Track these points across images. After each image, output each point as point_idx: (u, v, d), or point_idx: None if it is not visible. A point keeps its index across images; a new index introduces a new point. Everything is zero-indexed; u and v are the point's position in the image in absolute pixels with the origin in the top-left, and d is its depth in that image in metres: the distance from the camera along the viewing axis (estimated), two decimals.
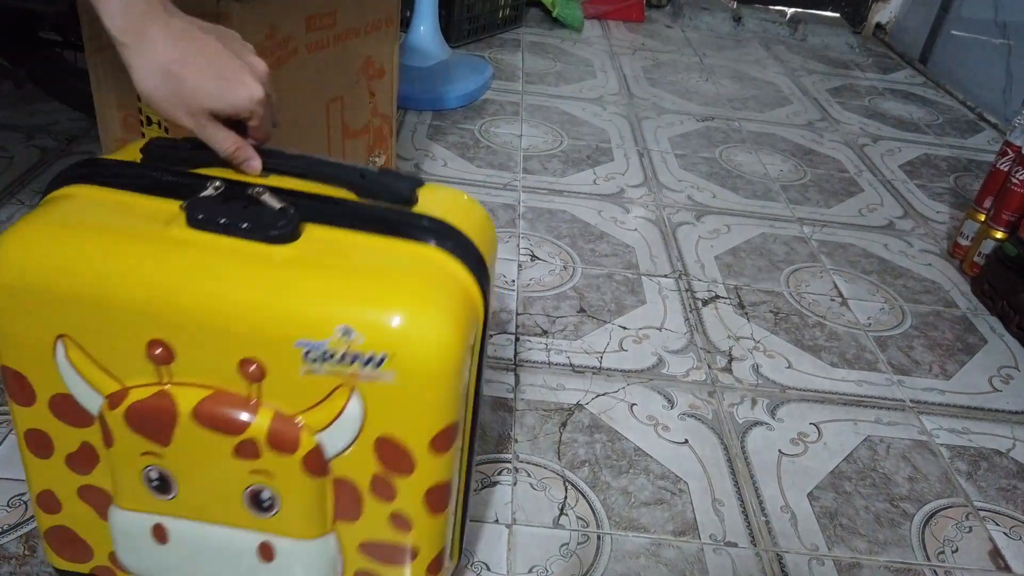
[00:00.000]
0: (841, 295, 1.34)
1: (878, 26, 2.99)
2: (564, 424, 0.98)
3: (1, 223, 1.21)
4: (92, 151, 1.45)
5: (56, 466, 0.60)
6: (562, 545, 0.83)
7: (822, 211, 1.63)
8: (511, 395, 1.02)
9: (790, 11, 3.06)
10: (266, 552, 0.60)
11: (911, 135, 2.10)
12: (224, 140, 0.57)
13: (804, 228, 1.55)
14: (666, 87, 2.22)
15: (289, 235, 0.54)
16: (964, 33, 2.52)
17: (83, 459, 0.59)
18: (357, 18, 1.11)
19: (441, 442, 0.55)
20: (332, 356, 0.51)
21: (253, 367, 0.53)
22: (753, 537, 0.87)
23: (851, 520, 0.91)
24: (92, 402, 0.56)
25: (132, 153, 0.61)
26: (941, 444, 1.04)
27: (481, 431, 0.95)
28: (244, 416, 0.54)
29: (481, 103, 1.93)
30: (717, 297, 1.29)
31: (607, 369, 1.09)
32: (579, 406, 1.02)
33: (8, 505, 0.78)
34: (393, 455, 0.55)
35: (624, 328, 1.18)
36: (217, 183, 0.56)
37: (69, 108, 1.54)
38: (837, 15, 3.08)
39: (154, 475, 0.58)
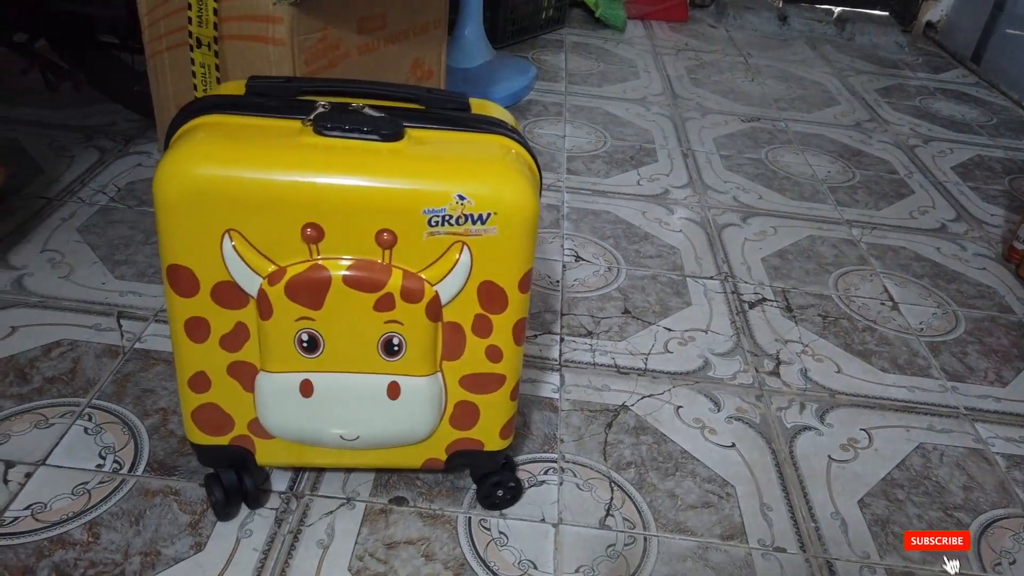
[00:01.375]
0: (892, 299, 1.32)
1: (928, 24, 2.93)
2: (610, 425, 0.98)
3: (64, 220, 1.25)
4: (149, 151, 1.49)
5: (210, 348, 0.71)
6: (609, 546, 0.83)
7: (871, 213, 1.60)
8: (556, 395, 1.02)
9: (837, 10, 3.01)
10: (393, 391, 0.74)
11: (964, 136, 2.05)
12: None
13: (853, 230, 1.52)
14: (710, 87, 2.21)
15: (398, 134, 0.67)
16: (1020, 32, 2.45)
17: (235, 338, 0.71)
18: (406, 20, 1.12)
19: (524, 283, 0.71)
20: (449, 219, 0.66)
21: (387, 236, 0.66)
22: (802, 543, 0.86)
23: (903, 528, 0.89)
24: (252, 284, 0.67)
25: (236, 89, 0.72)
26: (997, 453, 1.01)
27: (527, 430, 0.96)
28: (383, 276, 0.68)
29: (525, 104, 1.93)
30: (764, 300, 1.27)
31: (652, 371, 1.09)
32: (624, 407, 1.01)
33: (72, 493, 0.81)
34: (491, 296, 0.71)
35: (669, 330, 1.17)
36: (323, 104, 0.68)
37: (126, 109, 1.58)
38: (886, 14, 3.02)
39: (305, 337, 0.70)
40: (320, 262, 0.67)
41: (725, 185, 1.65)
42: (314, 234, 0.66)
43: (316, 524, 0.81)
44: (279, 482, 0.85)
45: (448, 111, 0.73)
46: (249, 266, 0.67)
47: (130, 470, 0.84)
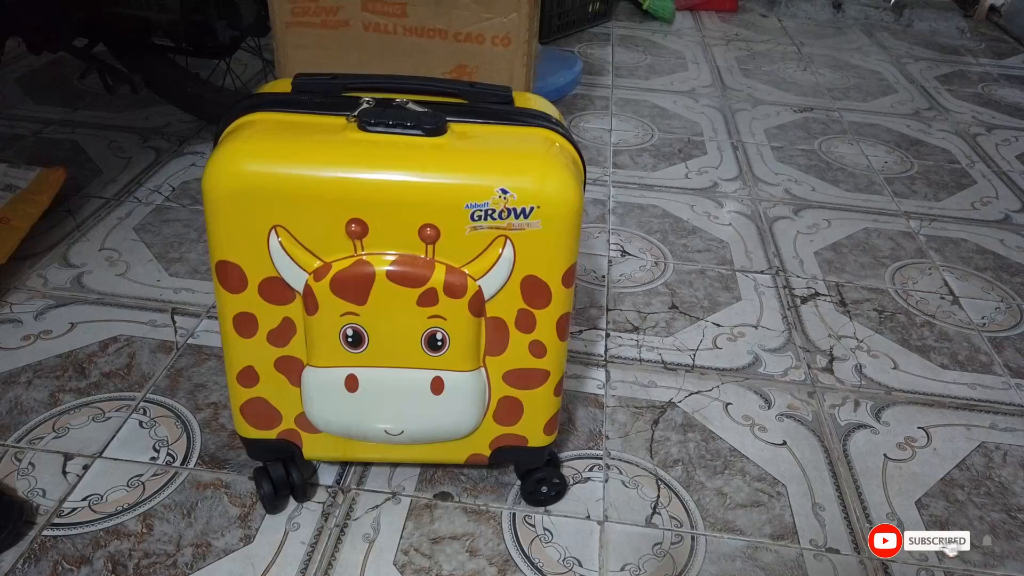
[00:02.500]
0: (952, 293, 1.27)
1: (992, 9, 2.82)
2: (656, 422, 0.97)
3: (121, 220, 1.28)
4: (203, 151, 1.52)
5: (258, 343, 0.72)
6: (655, 544, 0.82)
7: (930, 204, 1.54)
8: (602, 391, 1.01)
9: None
10: (437, 386, 0.74)
11: None
12: None
13: (911, 223, 1.47)
14: (761, 78, 2.16)
15: (441, 128, 0.68)
16: None
17: (282, 333, 0.72)
18: (438, 20, 1.11)
19: (568, 278, 0.71)
20: (492, 213, 0.66)
21: (430, 230, 0.67)
22: (856, 544, 0.83)
23: (964, 530, 0.86)
24: (298, 279, 0.68)
25: (283, 86, 0.73)
26: None
27: (572, 427, 0.95)
28: (426, 271, 0.68)
29: (571, 98, 1.92)
30: (817, 294, 1.24)
31: (700, 367, 1.07)
32: (671, 404, 1.00)
33: (128, 485, 0.83)
34: (535, 291, 0.71)
35: (718, 325, 1.15)
36: (367, 100, 0.69)
37: (181, 110, 1.62)
38: None
39: (350, 332, 0.71)
40: (364, 257, 0.68)
41: (776, 177, 1.61)
42: (358, 230, 0.66)
43: (362, 518, 0.82)
44: (326, 476, 0.86)
45: (491, 105, 0.73)
46: (295, 262, 0.68)
47: (183, 463, 0.86)
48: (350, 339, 0.71)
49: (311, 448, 0.80)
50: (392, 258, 0.68)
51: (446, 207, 0.66)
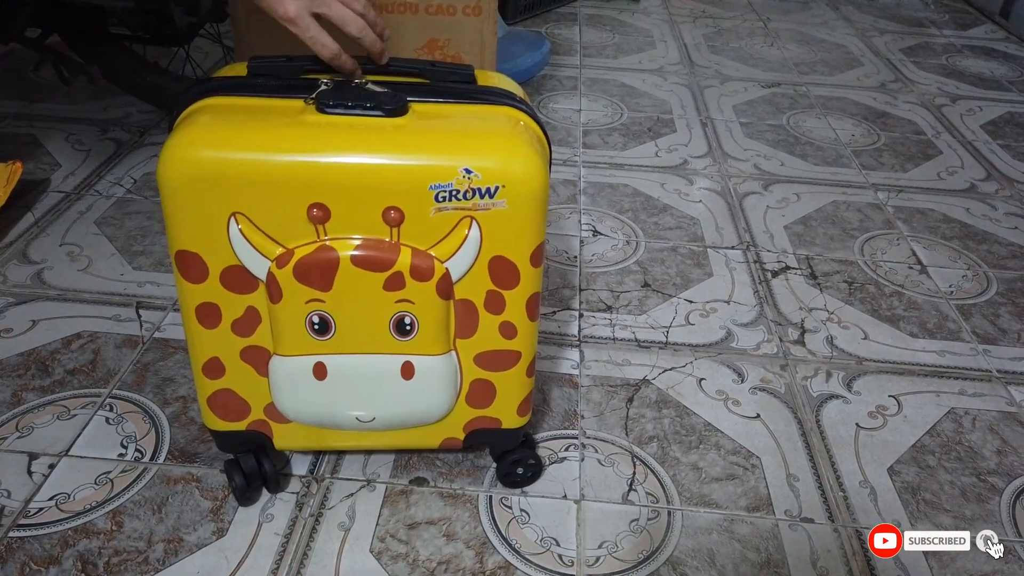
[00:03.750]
0: (920, 263, 1.28)
1: None
2: (631, 400, 0.97)
3: (82, 213, 1.26)
4: (164, 141, 1.49)
5: (222, 333, 0.70)
6: (632, 521, 0.82)
7: (898, 176, 1.56)
8: (576, 371, 1.01)
9: None
10: (407, 370, 0.73)
11: (993, 93, 1.99)
12: (327, 44, 0.67)
13: (879, 194, 1.48)
14: (729, 54, 2.16)
15: (402, 108, 0.66)
16: None
17: (247, 323, 0.70)
18: None
19: (536, 257, 0.70)
20: (457, 193, 0.65)
21: (394, 213, 0.65)
22: (831, 513, 0.84)
23: (935, 495, 0.87)
24: (260, 267, 0.67)
25: (238, 70, 0.71)
26: None
27: (547, 408, 0.95)
28: (391, 255, 0.67)
29: (539, 79, 1.91)
30: (787, 268, 1.25)
31: (674, 344, 1.07)
32: (646, 381, 1.00)
33: (96, 483, 0.82)
34: (503, 271, 0.70)
35: (690, 302, 1.15)
36: (326, 81, 0.68)
37: (140, 100, 1.58)
38: None
39: (316, 319, 0.69)
40: (328, 243, 0.66)
41: (746, 153, 1.61)
42: (320, 214, 0.65)
43: (337, 507, 0.81)
44: (299, 466, 0.85)
45: (453, 84, 0.71)
46: (256, 249, 0.66)
47: (151, 458, 0.85)
48: (316, 326, 0.70)
49: (282, 439, 0.79)
50: (356, 242, 0.66)
51: (409, 189, 0.65)
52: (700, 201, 1.42)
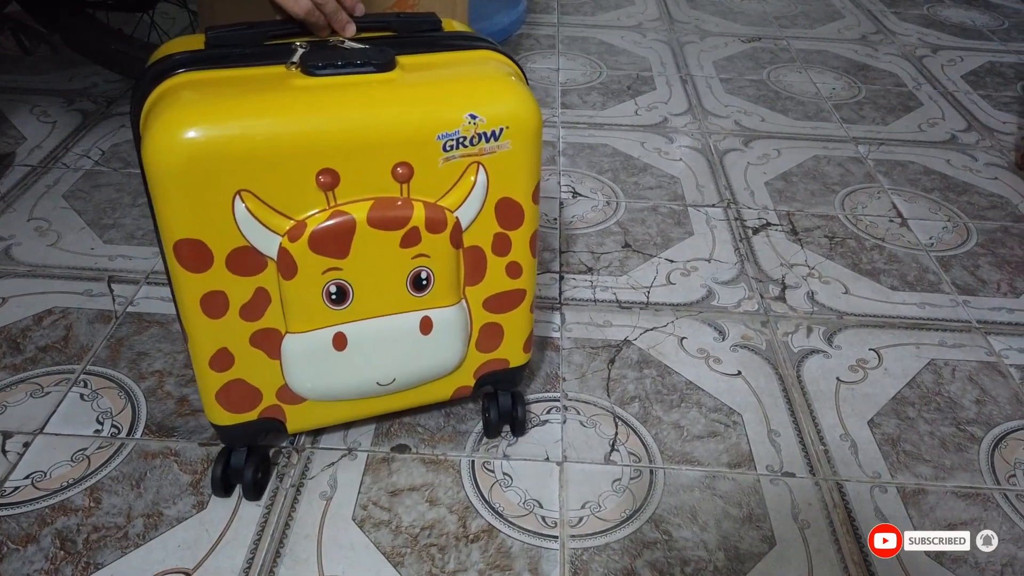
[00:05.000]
0: (900, 215, 1.28)
1: None
2: (612, 361, 0.97)
3: (49, 187, 1.23)
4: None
5: (230, 321, 0.67)
6: (614, 480, 0.82)
7: (878, 129, 1.55)
8: (557, 334, 1.00)
9: None
10: (426, 325, 0.73)
11: (974, 43, 1.97)
12: (298, 3, 0.64)
13: (859, 148, 1.47)
14: (708, 9, 2.12)
15: (391, 63, 0.65)
16: None
17: (256, 306, 0.67)
18: None
19: (536, 194, 0.72)
20: (464, 140, 0.65)
21: (402, 169, 0.65)
22: (812, 467, 0.84)
23: (915, 446, 0.87)
24: (270, 244, 0.64)
25: (192, 44, 0.66)
26: (1011, 365, 0.99)
27: (528, 371, 0.94)
28: (406, 211, 0.66)
29: (516, 39, 1.87)
30: (768, 224, 1.24)
31: (655, 304, 1.06)
32: (627, 342, 1.00)
33: (72, 460, 0.81)
34: (509, 212, 0.71)
35: (671, 261, 1.15)
36: (299, 43, 0.65)
37: (106, 69, 1.54)
38: None
39: (333, 289, 0.68)
40: (341, 208, 0.64)
41: (726, 109, 1.59)
42: (329, 180, 0.63)
43: (318, 476, 0.80)
44: (278, 436, 0.84)
45: (424, 33, 0.70)
46: (266, 226, 0.63)
47: (128, 434, 0.84)
48: (334, 296, 0.68)
49: (295, 421, 0.76)
50: (370, 203, 0.65)
51: (418, 142, 0.64)
52: (680, 159, 1.41)
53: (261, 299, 0.67)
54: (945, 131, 1.55)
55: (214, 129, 0.58)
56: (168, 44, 0.68)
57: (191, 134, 0.58)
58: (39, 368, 0.91)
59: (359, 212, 0.64)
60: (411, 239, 0.67)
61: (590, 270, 1.12)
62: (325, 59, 0.63)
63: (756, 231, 1.22)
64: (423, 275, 0.70)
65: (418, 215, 0.66)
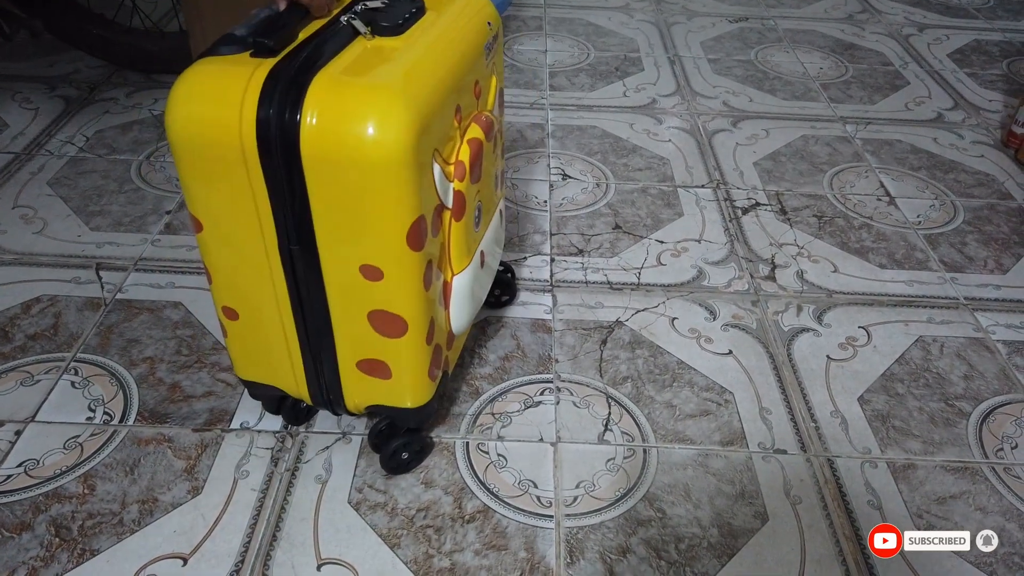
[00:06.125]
0: (888, 194, 1.28)
1: None
2: (604, 342, 0.97)
3: (33, 175, 1.21)
4: (115, 97, 1.44)
5: (435, 289, 0.69)
6: (608, 460, 0.82)
7: (866, 108, 1.55)
8: (549, 316, 1.00)
9: None
10: (501, 214, 0.84)
11: (960, 21, 1.98)
12: None
13: (847, 127, 1.48)
14: None
15: (422, 8, 0.70)
16: None
17: (440, 263, 0.70)
18: None
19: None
20: (491, 45, 0.75)
21: (479, 87, 0.73)
22: (803, 443, 0.85)
23: (904, 422, 0.88)
24: (449, 192, 0.67)
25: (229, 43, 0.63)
26: (998, 340, 1.00)
27: (521, 353, 0.95)
28: (491, 119, 0.74)
29: (503, 20, 1.85)
30: (757, 204, 1.24)
31: (646, 284, 1.07)
32: (619, 323, 1.00)
33: (65, 447, 0.80)
34: (502, 101, 0.81)
35: (661, 242, 1.15)
36: (352, 14, 0.66)
37: (88, 54, 1.52)
38: None
39: (477, 212, 0.74)
40: (468, 135, 0.69)
41: (714, 90, 1.59)
42: (458, 115, 0.67)
43: (313, 460, 0.81)
44: (272, 422, 0.84)
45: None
46: (447, 177, 0.66)
47: (121, 420, 0.83)
48: (477, 219, 0.73)
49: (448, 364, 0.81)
50: (472, 124, 0.70)
51: (480, 59, 0.71)
52: (669, 140, 1.41)
53: (442, 254, 0.70)
54: (932, 110, 1.55)
55: (413, 106, 0.59)
56: (209, 55, 0.61)
57: (407, 113, 0.58)
58: (29, 356, 0.90)
59: (477, 132, 0.70)
60: (495, 143, 0.76)
61: (581, 252, 1.12)
62: (388, 20, 0.66)
63: (745, 211, 1.23)
64: (498, 172, 0.79)
65: (493, 119, 0.74)
